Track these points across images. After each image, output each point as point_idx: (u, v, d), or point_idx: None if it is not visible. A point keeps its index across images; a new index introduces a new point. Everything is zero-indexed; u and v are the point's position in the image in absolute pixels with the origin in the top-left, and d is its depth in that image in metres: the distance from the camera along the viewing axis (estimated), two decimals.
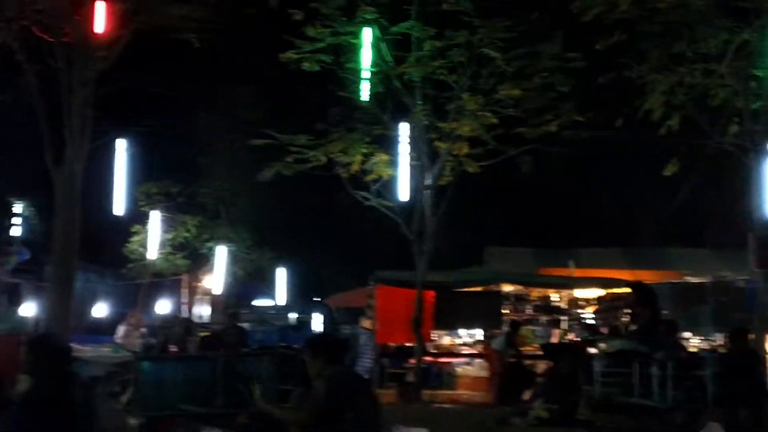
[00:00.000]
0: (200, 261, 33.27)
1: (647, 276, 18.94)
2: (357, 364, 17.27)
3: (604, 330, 17.11)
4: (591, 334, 17.06)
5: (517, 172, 18.49)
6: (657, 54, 16.16)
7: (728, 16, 15.82)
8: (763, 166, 16.06)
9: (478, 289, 18.86)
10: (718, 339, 16.79)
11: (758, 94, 16.13)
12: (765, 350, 14.65)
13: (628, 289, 15.76)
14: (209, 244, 32.25)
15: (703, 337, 17.83)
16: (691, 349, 14.56)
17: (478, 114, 17.00)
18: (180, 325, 17.82)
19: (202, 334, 18.80)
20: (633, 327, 13.91)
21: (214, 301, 33.69)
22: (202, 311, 34.28)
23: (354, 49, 17.27)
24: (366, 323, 18.47)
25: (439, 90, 17.57)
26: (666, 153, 17.42)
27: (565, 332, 18.53)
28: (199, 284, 34.47)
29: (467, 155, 17.63)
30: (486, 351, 16.96)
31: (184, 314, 29.66)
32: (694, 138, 17.12)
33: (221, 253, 32.10)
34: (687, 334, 17.48)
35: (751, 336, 13.32)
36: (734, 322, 14.61)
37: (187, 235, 31.47)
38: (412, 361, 17.05)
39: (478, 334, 18.34)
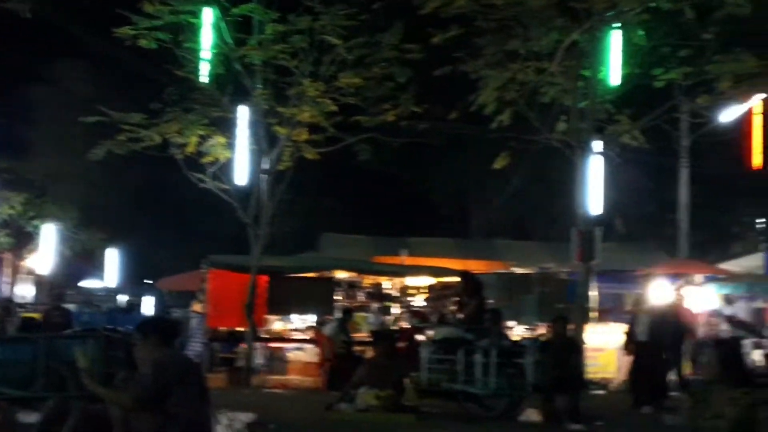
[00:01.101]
0: (25, 239, 32.00)
1: (476, 266, 19.47)
2: (187, 347, 17.07)
3: (434, 318, 17.49)
4: (420, 321, 17.41)
5: (355, 160, 18.63)
6: (491, 50, 16.59)
7: (561, 16, 16.40)
8: (588, 164, 16.75)
9: (313, 275, 18.91)
10: (541, 328, 17.43)
11: (585, 93, 16.80)
12: (583, 339, 15.34)
13: (457, 279, 16.16)
14: (35, 222, 31.05)
15: (527, 326, 18.47)
16: (515, 338, 15.05)
17: (318, 100, 17.01)
18: None
19: (24, 314, 18.10)
20: (460, 315, 14.32)
21: (40, 282, 32.49)
22: (26, 291, 32.96)
23: (193, 29, 16.95)
24: (197, 307, 18.26)
25: (280, 75, 17.47)
26: (497, 147, 17.94)
27: (396, 319, 18.82)
28: (23, 263, 33.13)
29: (306, 141, 17.62)
30: (318, 337, 17.03)
31: (5, 294, 28.43)
32: (524, 133, 17.68)
33: (48, 232, 30.97)
34: (512, 323, 18.08)
35: (571, 326, 13.90)
36: (556, 312, 15.22)
37: (11, 212, 30.18)
38: (243, 345, 16.96)
39: (311, 319, 18.40)
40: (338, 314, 17.64)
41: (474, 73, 16.74)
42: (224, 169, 17.72)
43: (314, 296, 18.13)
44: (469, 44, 16.73)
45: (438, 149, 26.66)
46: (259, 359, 16.94)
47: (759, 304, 20.05)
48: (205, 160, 17.61)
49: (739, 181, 29.71)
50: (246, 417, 10.42)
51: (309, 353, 17.03)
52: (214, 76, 17.22)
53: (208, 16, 16.70)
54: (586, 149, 16.61)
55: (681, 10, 16.19)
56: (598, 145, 17.94)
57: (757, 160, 21.47)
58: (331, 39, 16.80)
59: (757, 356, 16.56)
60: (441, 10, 15.93)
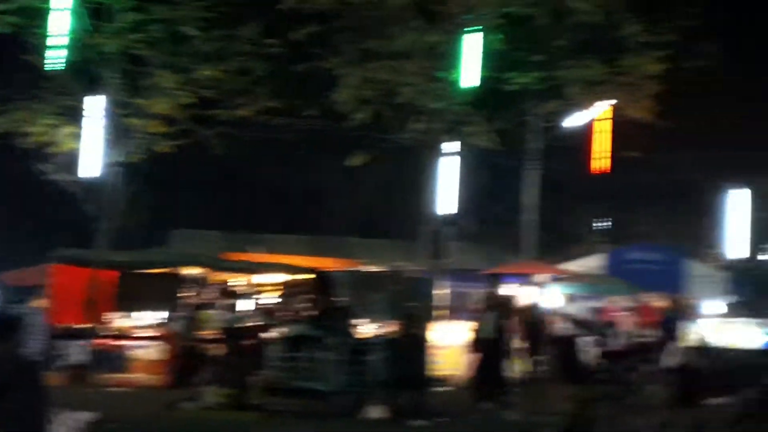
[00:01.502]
0: None
1: (329, 263, 19.53)
2: (26, 344, 16.43)
3: (285, 315, 17.42)
4: (270, 318, 17.33)
5: (210, 154, 18.40)
6: (350, 48, 16.69)
7: (418, 17, 16.64)
8: (442, 164, 17.06)
9: (162, 270, 18.55)
10: (391, 325, 17.59)
11: (441, 94, 17.10)
12: (431, 337, 15.58)
13: (309, 276, 16.14)
14: None
15: (377, 324, 18.63)
16: (365, 335, 15.16)
17: (173, 92, 16.71)
18: None
19: None
20: (312, 312, 14.32)
21: None
22: None
23: (46, 14, 16.34)
24: (38, 303, 17.63)
25: (136, 65, 17.07)
26: (353, 144, 18.06)
27: (246, 317, 18.66)
28: None
29: (160, 133, 17.29)
30: (166, 334, 16.71)
31: None
32: (380, 132, 17.86)
33: None
34: (362, 321, 18.19)
35: (420, 323, 14.09)
36: (406, 310, 15.40)
37: None
38: (84, 343, 16.47)
39: (159, 316, 18.03)
40: (187, 311, 17.35)
41: (332, 70, 16.80)
42: (73, 160, 17.19)
43: (164, 292, 17.78)
44: (328, 42, 16.79)
45: (294, 145, 26.60)
46: (98, 357, 16.46)
47: (598, 303, 20.83)
48: (52, 150, 17.05)
49: (584, 185, 30.84)
50: (87, 416, 10.13)
51: (155, 351, 16.69)
52: (69, 63, 16.64)
53: (61, 1, 16.11)
54: (440, 150, 16.91)
55: (535, 16, 16.67)
56: (451, 146, 18.31)
57: (599, 164, 22.32)
58: (189, 30, 16.54)
59: (594, 354, 17.17)
60: (301, 7, 15.94)
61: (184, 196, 31.85)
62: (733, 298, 21.06)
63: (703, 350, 15.60)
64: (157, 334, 16.99)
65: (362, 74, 16.76)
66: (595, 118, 21.29)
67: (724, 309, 21.79)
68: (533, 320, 16.24)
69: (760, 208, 36.44)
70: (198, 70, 16.80)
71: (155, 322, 17.85)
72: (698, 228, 37.89)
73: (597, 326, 18.06)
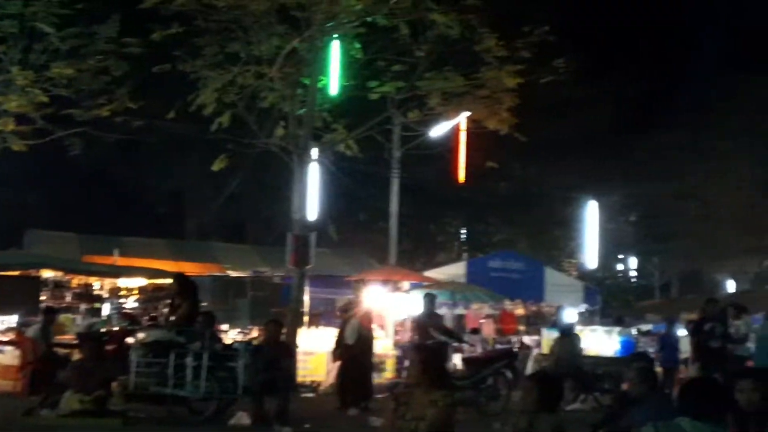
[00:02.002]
0: None
1: (191, 268, 19.23)
2: None
3: (147, 320, 17.07)
4: (130, 323, 16.91)
5: (66, 155, 17.83)
6: (212, 51, 16.47)
7: (281, 23, 16.56)
8: (306, 170, 17.03)
9: (16, 273, 17.87)
10: (254, 331, 17.48)
11: (304, 100, 17.07)
12: (296, 343, 15.55)
13: (170, 280, 15.87)
14: None
15: (240, 329, 18.46)
16: (228, 341, 14.99)
17: (27, 90, 16.10)
18: None
19: None
20: (172, 318, 14.06)
21: None
22: None
23: None
24: None
25: None
26: (216, 149, 17.82)
27: (106, 321, 18.18)
28: None
29: (13, 132, 16.61)
30: (19, 338, 16.08)
31: None
32: (244, 137, 17.68)
33: None
34: (225, 326, 18.00)
35: (284, 329, 14.03)
36: (270, 316, 15.32)
37: None
38: None
39: (12, 320, 17.36)
40: (43, 315, 16.76)
41: (194, 73, 16.54)
42: None
43: (18, 296, 17.14)
44: (190, 43, 16.52)
45: (154, 148, 26.09)
46: None
47: (460, 310, 21.22)
48: None
49: (446, 193, 31.41)
50: None
51: (9, 356, 16.04)
52: None
53: None
54: (303, 156, 16.87)
55: (397, 27, 16.84)
56: (315, 153, 18.31)
57: (461, 174, 22.74)
58: (43, 26, 15.98)
59: (457, 360, 17.48)
60: (162, 7, 15.63)
61: (40, 196, 30.78)
62: (588, 307, 21.82)
63: (562, 356, 16.11)
64: (11, 338, 16.37)
65: (225, 77, 16.55)
66: (458, 128, 21.69)
67: (581, 317, 22.57)
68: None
69: (609, 219, 38.00)
70: (53, 67, 16.23)
71: (9, 326, 17.21)
72: (557, 238, 39.22)
73: (459, 333, 18.42)
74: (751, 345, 15.36)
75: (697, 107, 42.32)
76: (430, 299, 15.94)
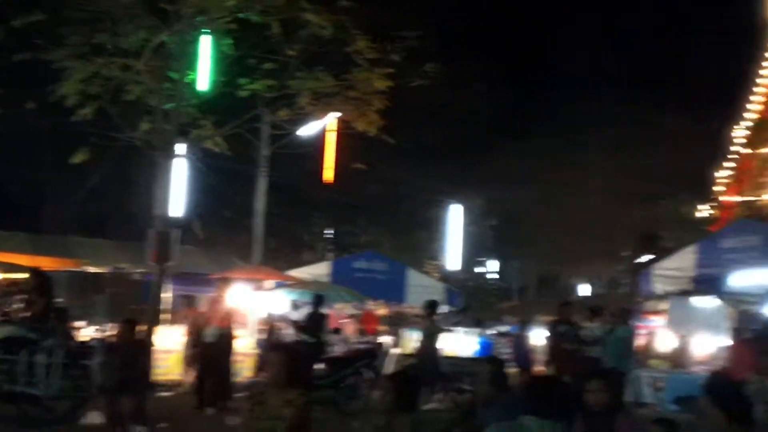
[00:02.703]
0: None
1: (48, 263, 18.65)
2: None
3: None
4: None
5: None
6: (77, 41, 16.02)
7: (150, 15, 16.26)
8: (170, 166, 16.77)
9: None
10: (112, 328, 17.09)
11: (172, 95, 16.79)
12: (153, 341, 15.29)
13: (26, 275, 15.38)
14: None
15: (97, 327, 18.03)
16: (84, 339, 14.63)
17: None
18: None
19: None
20: (26, 314, 13.65)
21: None
22: None
23: None
24: None
25: None
26: (77, 141, 17.34)
27: None
28: None
29: None
30: None
31: None
32: (107, 130, 17.27)
33: None
34: (82, 323, 17.55)
35: (143, 327, 13.79)
36: (129, 313, 15.02)
37: None
38: None
39: None
40: None
41: (57, 62, 16.05)
42: None
43: None
44: (53, 32, 16.02)
45: (12, 138, 25.21)
46: None
47: (323, 309, 21.27)
48: None
49: (313, 193, 31.48)
50: None
51: None
52: None
53: None
54: (169, 151, 16.61)
55: (268, 25, 16.78)
56: (181, 148, 18.06)
57: (328, 174, 22.83)
58: None
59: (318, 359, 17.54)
60: None
61: None
62: (449, 308, 22.20)
63: (422, 357, 16.39)
64: None
65: (89, 68, 16.11)
66: (326, 128, 21.77)
67: (441, 317, 22.98)
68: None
69: (471, 222, 38.85)
70: None
71: None
72: (421, 240, 39.81)
73: (322, 333, 18.46)
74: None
75: (560, 117, 43.79)
76: (316, 299, 16.23)
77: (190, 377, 16.07)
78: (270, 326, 18.64)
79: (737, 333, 16.49)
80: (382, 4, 22.60)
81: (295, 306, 19.99)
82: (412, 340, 20.83)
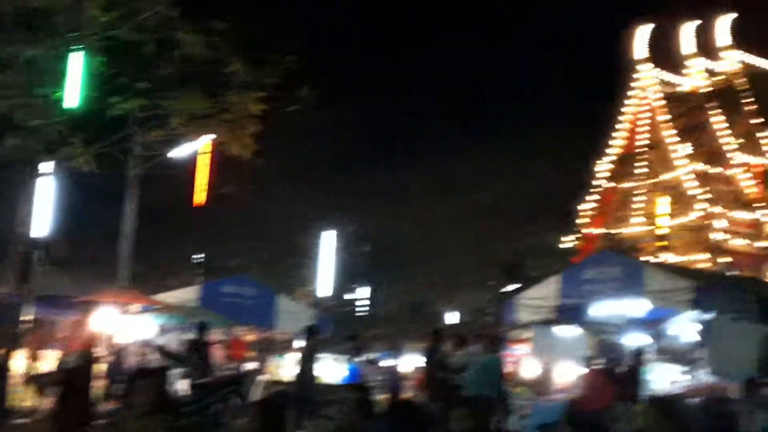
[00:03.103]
0: None
1: None
2: None
3: None
4: None
5: None
6: None
7: (23, 29, 15.85)
8: (35, 184, 16.30)
9: None
10: None
11: (40, 111, 16.37)
12: (11, 365, 14.77)
13: None
14: None
15: None
16: None
17: None
18: None
19: None
20: None
21: None
22: None
23: None
24: None
25: None
26: None
27: None
28: None
29: None
30: None
31: None
32: None
33: None
34: None
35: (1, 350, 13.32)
36: None
37: None
38: None
39: None
40: None
41: None
42: None
43: None
44: None
45: None
46: None
47: (190, 335, 20.91)
48: None
49: (184, 216, 31.02)
50: None
51: None
52: None
53: None
54: (34, 169, 16.15)
55: (142, 43, 16.57)
56: (48, 166, 17.57)
57: (200, 197, 22.56)
58: None
59: (184, 386, 17.23)
60: None
61: None
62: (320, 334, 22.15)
63: (298, 382, 16.29)
64: None
65: None
66: (199, 151, 21.53)
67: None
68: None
69: (344, 249, 39.01)
70: None
71: None
72: (293, 265, 39.71)
73: (188, 358, 18.16)
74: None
75: (438, 147, 44.55)
76: (200, 326, 15.98)
77: (47, 403, 15.55)
78: (118, 351, 18.19)
79: (590, 362, 17.04)
80: (258, 28, 22.62)
81: (163, 331, 19.59)
82: (281, 366, 20.72)
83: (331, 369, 20.86)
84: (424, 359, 16.64)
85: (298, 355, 17.04)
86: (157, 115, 17.96)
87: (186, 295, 21.04)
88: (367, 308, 46.62)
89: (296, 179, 36.86)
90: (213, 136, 19.69)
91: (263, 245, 37.59)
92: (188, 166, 22.22)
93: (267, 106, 18.71)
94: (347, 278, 42.50)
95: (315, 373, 16.94)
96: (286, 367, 20.88)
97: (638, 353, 15.36)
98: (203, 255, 39.04)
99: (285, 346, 23.61)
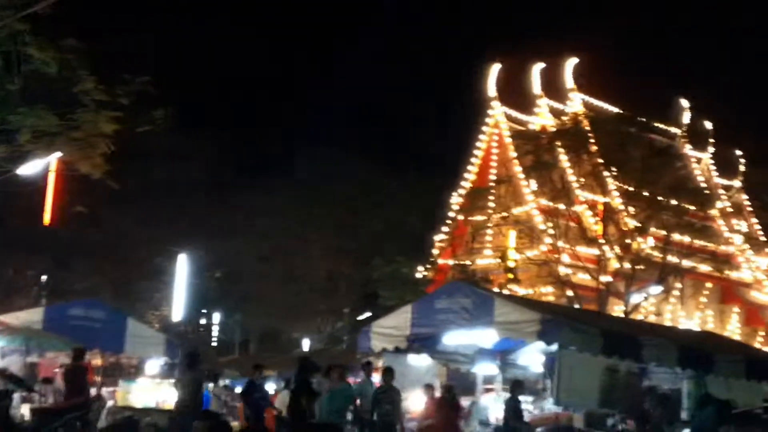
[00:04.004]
0: None
1: None
2: None
3: None
4: None
5: None
6: None
7: None
8: None
9: None
10: None
11: None
12: None
13: None
14: None
15: None
16: None
17: None
18: None
19: None
20: None
21: None
22: None
23: None
24: None
25: None
26: None
27: None
28: None
29: None
30: None
31: None
32: None
33: None
34: None
35: None
36: None
37: None
38: None
39: None
40: None
41: None
42: None
43: None
44: None
45: None
46: None
47: (33, 358, 20.17)
48: None
49: (30, 235, 29.96)
50: None
51: None
52: None
53: None
54: None
55: None
56: None
57: (48, 216, 21.89)
58: None
59: (25, 410, 16.65)
60: None
61: None
62: (168, 360, 21.75)
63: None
64: None
65: None
66: (49, 169, 20.90)
67: (161, 369, 22.48)
68: None
69: (196, 274, 38.43)
70: None
71: None
72: (144, 289, 38.80)
73: (29, 382, 17.52)
74: None
75: (290, 174, 44.60)
76: (76, 353, 15.82)
77: None
78: None
79: (428, 390, 17.38)
80: (111, 47, 22.15)
81: (2, 354, 18.83)
82: (130, 392, 20.23)
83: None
84: (287, 386, 16.63)
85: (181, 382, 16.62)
86: (3, 130, 17.35)
87: (29, 316, 20.33)
88: (221, 334, 45.96)
89: (152, 202, 36.16)
90: (62, 153, 19.12)
91: (115, 267, 36.62)
92: (37, 184, 21.53)
93: (119, 126, 18.34)
94: (200, 303, 41.86)
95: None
96: (135, 393, 20.39)
97: (515, 383, 15.69)
98: (48, 276, 37.68)
99: (134, 371, 23.07)
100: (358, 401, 16.34)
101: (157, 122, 18.42)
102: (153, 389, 20.89)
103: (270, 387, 24.42)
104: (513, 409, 15.74)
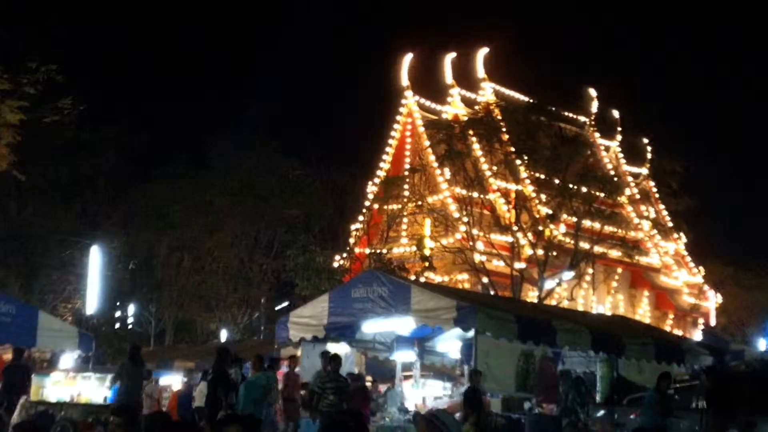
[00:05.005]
0: None
1: None
2: None
3: None
4: None
5: None
6: None
7: None
8: None
9: None
10: None
11: None
12: None
13: None
14: None
15: None
16: None
17: None
18: None
19: None
20: None
21: None
22: None
23: None
24: None
25: None
26: None
27: None
28: None
29: None
30: None
31: None
32: None
33: None
34: None
35: None
36: None
37: None
38: None
39: None
40: None
41: None
42: None
43: None
44: None
45: None
46: None
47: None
48: None
49: None
50: None
51: None
52: None
53: None
54: None
55: None
56: None
57: None
58: None
59: None
60: None
61: None
62: (81, 353, 21.37)
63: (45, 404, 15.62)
64: None
65: None
66: None
67: (74, 363, 22.09)
68: None
69: (108, 266, 37.73)
70: None
71: None
72: (54, 281, 37.93)
73: None
74: None
75: (198, 162, 44.17)
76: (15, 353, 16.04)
77: None
78: None
79: (354, 378, 17.45)
80: (16, 35, 21.56)
81: None
82: (43, 386, 19.87)
83: (94, 388, 20.24)
84: (205, 377, 16.52)
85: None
86: None
87: None
88: (136, 327, 45.23)
89: (61, 193, 35.40)
90: None
91: (21, 261, 35.73)
92: None
93: (25, 117, 17.90)
94: (115, 295, 41.14)
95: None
96: (49, 387, 20.03)
97: (473, 372, 15.91)
98: None
99: (47, 366, 22.62)
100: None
101: (64, 112, 18.05)
102: (67, 383, 20.55)
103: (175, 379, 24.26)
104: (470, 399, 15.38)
